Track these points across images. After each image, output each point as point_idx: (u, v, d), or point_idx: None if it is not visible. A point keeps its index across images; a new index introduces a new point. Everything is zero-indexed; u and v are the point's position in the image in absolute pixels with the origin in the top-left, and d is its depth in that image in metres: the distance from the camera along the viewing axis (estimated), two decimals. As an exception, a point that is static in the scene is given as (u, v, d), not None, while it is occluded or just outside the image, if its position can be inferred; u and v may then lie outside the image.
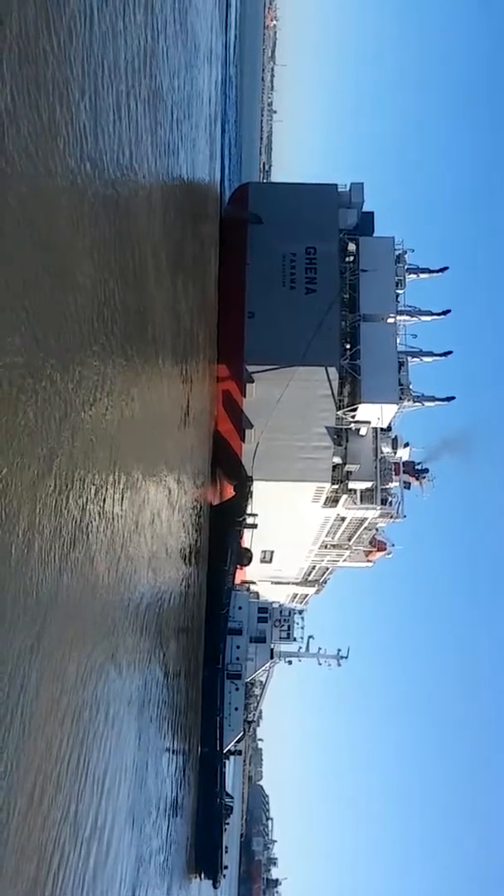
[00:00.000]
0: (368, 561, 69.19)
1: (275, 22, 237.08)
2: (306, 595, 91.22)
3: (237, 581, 63.08)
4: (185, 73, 28.87)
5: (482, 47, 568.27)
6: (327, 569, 78.21)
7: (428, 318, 53.22)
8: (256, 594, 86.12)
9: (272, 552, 69.43)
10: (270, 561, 71.75)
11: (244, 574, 73.21)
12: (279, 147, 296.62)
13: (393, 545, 67.36)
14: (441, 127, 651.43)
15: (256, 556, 65.23)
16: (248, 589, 77.80)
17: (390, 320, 49.96)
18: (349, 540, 62.82)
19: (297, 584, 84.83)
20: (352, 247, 51.28)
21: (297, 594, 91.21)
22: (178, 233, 27.75)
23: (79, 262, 12.70)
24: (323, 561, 72.66)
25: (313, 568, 77.56)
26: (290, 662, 63.16)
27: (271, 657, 59.89)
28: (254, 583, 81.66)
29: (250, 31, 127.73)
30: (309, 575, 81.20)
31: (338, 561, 71.12)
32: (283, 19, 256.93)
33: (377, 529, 61.34)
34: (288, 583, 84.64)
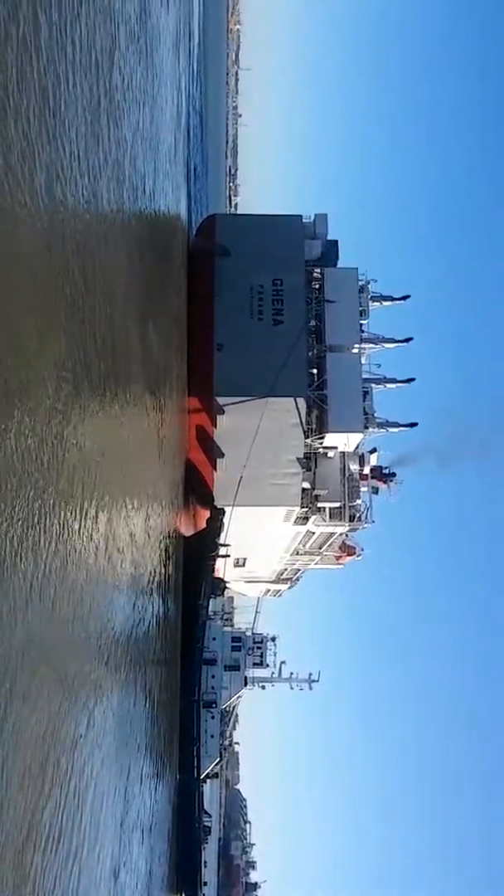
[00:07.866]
0: (339, 564, 70.94)
1: (238, 26, 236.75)
2: (280, 590, 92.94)
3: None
4: (148, 94, 27.92)
5: (455, 55, 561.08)
6: (299, 570, 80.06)
7: (392, 346, 54.71)
8: (231, 598, 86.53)
9: (245, 559, 71.00)
10: (244, 565, 73.32)
11: (218, 573, 74.20)
12: (245, 151, 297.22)
13: (363, 549, 69.00)
14: (406, 140, 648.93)
15: (230, 561, 66.53)
16: (222, 589, 78.06)
17: (355, 350, 51.55)
18: (320, 548, 64.54)
19: (270, 581, 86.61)
20: (317, 274, 52.84)
21: (270, 590, 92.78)
22: (147, 268, 27.84)
23: (45, 303, 12.62)
24: (295, 564, 74.47)
25: (285, 569, 79.40)
26: (263, 687, 64.85)
27: (245, 684, 61.42)
28: (228, 581, 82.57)
29: (213, 36, 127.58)
30: (281, 575, 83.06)
31: (309, 564, 72.97)
32: (246, 24, 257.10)
33: (347, 535, 62.93)
34: (261, 581, 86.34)
